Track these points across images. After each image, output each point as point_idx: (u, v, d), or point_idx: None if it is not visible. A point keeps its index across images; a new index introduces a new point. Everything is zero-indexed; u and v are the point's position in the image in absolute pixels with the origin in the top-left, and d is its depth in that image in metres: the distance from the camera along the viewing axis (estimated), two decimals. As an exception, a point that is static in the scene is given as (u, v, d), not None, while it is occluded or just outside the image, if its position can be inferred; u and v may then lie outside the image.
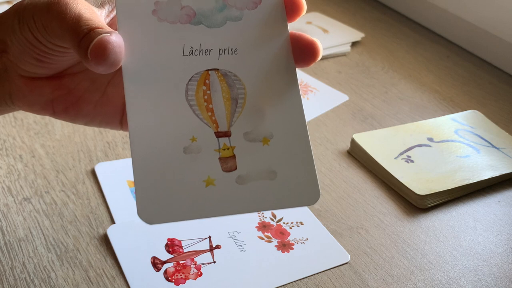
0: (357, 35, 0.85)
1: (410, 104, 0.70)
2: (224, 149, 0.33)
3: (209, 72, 0.34)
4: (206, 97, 0.34)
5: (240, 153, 0.33)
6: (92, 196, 0.53)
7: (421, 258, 0.48)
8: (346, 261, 0.48)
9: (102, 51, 0.31)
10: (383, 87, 0.74)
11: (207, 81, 0.34)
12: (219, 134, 0.34)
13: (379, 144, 0.60)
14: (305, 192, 0.34)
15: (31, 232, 0.48)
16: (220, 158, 0.33)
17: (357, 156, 0.60)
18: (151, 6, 0.34)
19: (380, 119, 0.67)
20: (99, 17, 0.35)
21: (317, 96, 0.71)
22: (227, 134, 0.34)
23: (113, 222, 0.50)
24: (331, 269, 0.47)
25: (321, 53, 0.35)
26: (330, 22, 0.89)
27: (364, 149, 0.59)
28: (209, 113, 0.34)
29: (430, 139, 0.62)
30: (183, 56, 0.34)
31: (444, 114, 0.68)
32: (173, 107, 0.33)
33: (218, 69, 0.34)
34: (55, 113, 0.39)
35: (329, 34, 0.85)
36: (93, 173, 0.55)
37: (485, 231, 0.52)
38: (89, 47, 0.32)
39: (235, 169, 0.33)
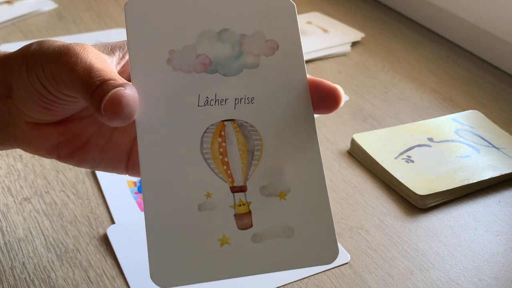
0: (357, 35, 0.85)
1: (410, 104, 0.70)
2: (240, 205, 0.32)
3: (225, 123, 0.33)
4: (221, 149, 0.33)
5: (256, 209, 0.32)
6: (92, 196, 0.53)
7: (421, 258, 0.48)
8: (346, 261, 0.48)
9: (117, 106, 0.30)
10: (383, 87, 0.74)
11: (222, 133, 0.33)
12: (234, 189, 0.32)
13: (379, 144, 0.60)
14: (323, 251, 0.32)
15: (31, 232, 0.48)
16: (235, 215, 0.32)
17: (357, 156, 0.60)
18: (166, 55, 0.33)
19: (380, 119, 0.67)
20: (110, 66, 0.34)
21: (317, 96, 0.71)
22: (242, 189, 0.32)
23: (113, 222, 0.50)
24: (331, 269, 0.47)
25: (344, 100, 0.34)
26: (330, 22, 0.89)
27: (364, 149, 0.59)
28: (225, 167, 0.32)
29: (430, 139, 0.62)
30: (198, 106, 0.33)
31: (444, 114, 0.68)
32: (187, 162, 0.32)
33: (234, 120, 0.33)
34: (60, 157, 0.39)
35: (329, 34, 0.84)
36: (93, 173, 0.55)
37: (485, 231, 0.52)
38: (103, 101, 0.31)
39: (251, 226, 0.32)
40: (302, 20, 0.89)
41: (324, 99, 0.34)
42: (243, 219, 0.32)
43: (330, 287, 0.45)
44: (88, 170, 0.55)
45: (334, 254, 0.32)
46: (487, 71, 0.79)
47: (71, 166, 0.56)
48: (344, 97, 0.34)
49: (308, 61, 0.78)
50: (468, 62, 0.81)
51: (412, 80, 0.76)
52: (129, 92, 0.31)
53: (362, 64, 0.79)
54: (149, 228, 0.31)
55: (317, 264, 0.32)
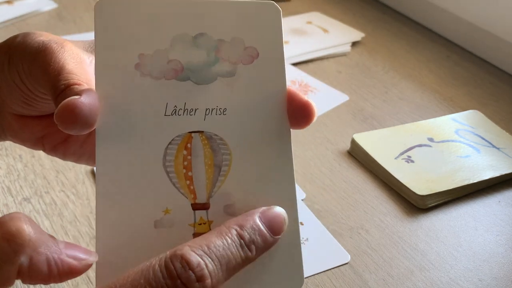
0: (357, 35, 0.85)
1: (410, 104, 0.70)
2: (200, 224, 0.30)
3: (192, 134, 0.31)
4: (186, 163, 0.30)
5: None
6: (92, 196, 0.53)
7: (421, 258, 0.48)
8: (346, 261, 0.47)
9: (68, 116, 0.28)
10: (383, 87, 0.74)
11: (188, 145, 0.31)
12: (196, 206, 0.30)
13: (379, 144, 0.60)
14: (288, 277, 0.30)
15: (31, 232, 0.48)
16: (194, 234, 0.30)
17: (357, 156, 0.60)
18: (135, 59, 0.31)
19: (380, 119, 0.67)
20: (84, 67, 0.33)
21: (317, 96, 0.71)
22: (205, 207, 0.30)
23: (113, 222, 0.50)
24: (331, 269, 0.47)
25: (316, 115, 0.32)
26: (330, 22, 0.89)
27: (364, 149, 0.59)
28: (188, 182, 0.30)
29: (430, 139, 0.62)
30: (165, 116, 0.31)
31: (444, 114, 0.68)
32: (148, 175, 0.30)
33: (202, 132, 0.31)
34: (45, 150, 0.38)
35: (329, 34, 0.84)
36: (93, 173, 0.55)
37: (485, 232, 0.52)
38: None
39: None
40: (302, 20, 0.89)
41: (295, 113, 0.31)
42: None
43: (330, 287, 0.45)
44: (88, 170, 0.55)
45: (299, 282, 0.30)
46: (487, 71, 0.79)
47: (71, 166, 0.56)
48: (317, 111, 0.32)
49: (308, 61, 0.78)
50: (468, 62, 0.81)
51: (412, 80, 0.76)
52: (85, 100, 0.29)
53: (362, 64, 0.79)
54: (99, 246, 0.29)
55: None
